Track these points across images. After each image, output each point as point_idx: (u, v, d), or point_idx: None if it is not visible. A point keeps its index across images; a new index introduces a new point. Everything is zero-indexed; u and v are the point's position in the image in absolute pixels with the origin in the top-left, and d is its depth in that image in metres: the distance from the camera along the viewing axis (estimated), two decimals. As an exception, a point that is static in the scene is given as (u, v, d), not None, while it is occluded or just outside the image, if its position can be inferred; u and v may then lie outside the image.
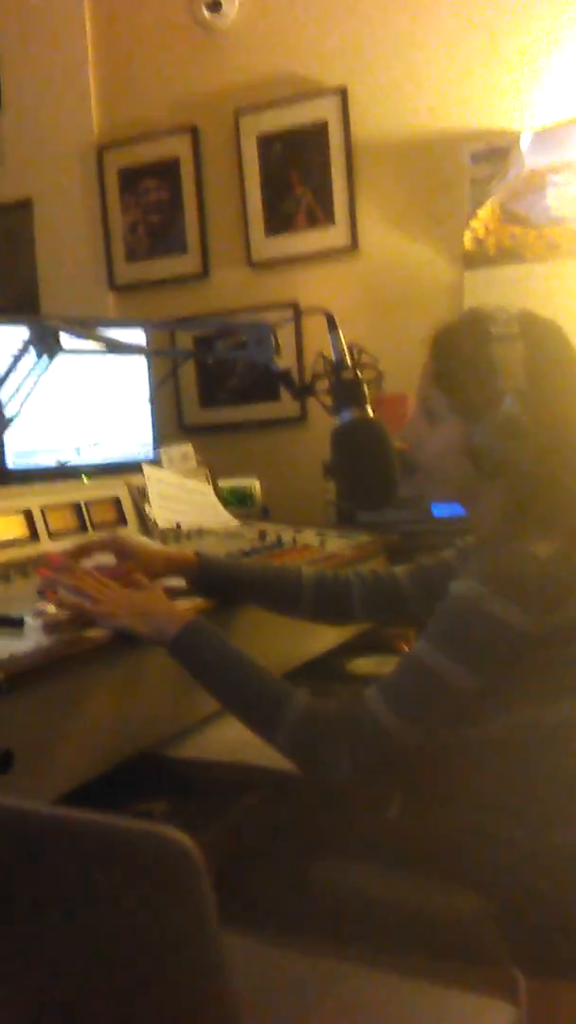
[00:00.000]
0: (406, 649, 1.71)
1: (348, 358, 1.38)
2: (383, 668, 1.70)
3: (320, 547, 1.85)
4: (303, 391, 1.38)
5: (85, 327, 1.64)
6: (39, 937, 0.47)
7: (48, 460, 2.02)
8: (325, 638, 1.75)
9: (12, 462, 1.96)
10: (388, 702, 1.13)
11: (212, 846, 1.15)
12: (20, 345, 1.69)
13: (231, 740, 1.39)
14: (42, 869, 0.47)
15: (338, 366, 1.37)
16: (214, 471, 2.25)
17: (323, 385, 1.39)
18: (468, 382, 1.17)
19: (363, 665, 1.72)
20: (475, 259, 2.41)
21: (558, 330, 1.19)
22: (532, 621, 1.08)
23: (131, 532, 1.85)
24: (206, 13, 2.72)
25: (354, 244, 2.60)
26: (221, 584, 1.46)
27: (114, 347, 1.69)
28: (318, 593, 1.45)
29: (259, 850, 1.23)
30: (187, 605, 1.37)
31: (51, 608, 1.26)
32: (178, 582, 1.46)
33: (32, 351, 1.67)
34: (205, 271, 2.80)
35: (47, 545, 1.67)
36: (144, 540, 1.62)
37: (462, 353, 1.18)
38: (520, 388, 1.13)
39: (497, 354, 1.15)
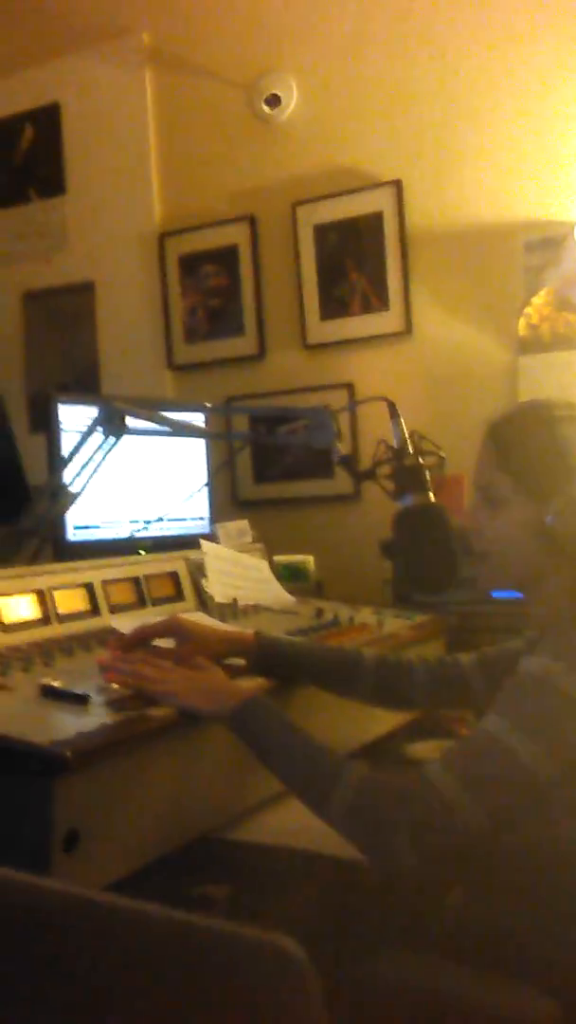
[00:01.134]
0: (466, 734, 1.69)
1: (410, 445, 1.40)
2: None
3: (378, 627, 1.85)
4: (365, 476, 1.41)
5: (149, 410, 1.69)
6: None
7: (108, 534, 2.06)
8: (383, 721, 1.73)
9: (73, 535, 2.01)
10: (454, 776, 1.09)
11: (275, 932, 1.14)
12: (88, 424, 1.75)
13: (292, 824, 1.38)
14: (150, 971, 0.47)
15: (401, 452, 1.39)
16: (268, 546, 2.27)
17: (385, 470, 1.41)
18: (537, 463, 1.18)
19: (421, 750, 1.69)
20: (529, 345, 2.45)
21: None
22: None
23: (188, 607, 1.87)
24: (265, 107, 2.84)
25: (408, 329, 2.66)
26: (280, 664, 1.47)
27: (177, 429, 1.74)
28: (378, 676, 1.45)
29: (320, 939, 1.21)
30: (248, 684, 1.38)
31: (114, 686, 1.28)
32: (238, 662, 1.47)
33: (99, 430, 1.72)
34: (261, 352, 2.87)
35: (107, 619, 1.70)
36: (203, 620, 1.64)
37: (528, 435, 1.20)
38: None
39: (564, 433, 1.17)
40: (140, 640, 1.45)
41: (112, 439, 1.69)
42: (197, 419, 2.21)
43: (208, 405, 2.41)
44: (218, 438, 2.34)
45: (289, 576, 2.28)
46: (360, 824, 1.13)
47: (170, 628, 1.46)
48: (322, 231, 2.77)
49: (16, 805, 1.08)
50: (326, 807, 1.15)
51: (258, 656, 1.46)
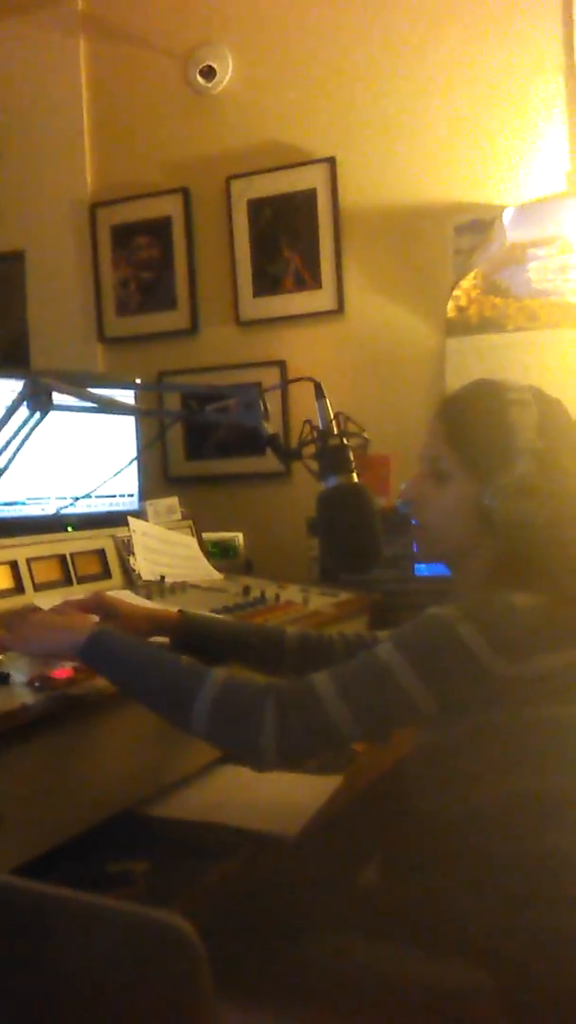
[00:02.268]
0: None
1: (334, 426, 1.41)
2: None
3: (303, 604, 1.87)
4: (290, 455, 1.42)
5: (77, 386, 1.67)
6: (33, 1012, 0.48)
7: (34, 511, 2.04)
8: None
9: (-2, 512, 1.98)
10: (337, 688, 1.12)
11: (192, 908, 1.16)
12: (12, 399, 1.72)
13: (211, 800, 1.40)
14: (43, 948, 0.48)
15: (325, 433, 1.40)
16: (198, 523, 2.27)
17: (310, 450, 1.43)
18: (484, 442, 1.21)
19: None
20: (457, 327, 2.48)
21: (560, 402, 1.25)
22: (497, 660, 1.10)
23: (115, 585, 1.87)
24: (200, 79, 2.81)
25: (340, 308, 2.67)
26: (204, 642, 1.48)
27: (105, 406, 1.72)
28: (301, 653, 1.47)
29: (240, 913, 1.23)
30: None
31: None
32: (161, 640, 1.48)
33: (25, 406, 1.69)
34: (194, 327, 2.86)
35: (32, 597, 1.69)
36: (127, 598, 1.64)
37: (478, 414, 1.22)
38: (534, 449, 1.17)
39: (513, 416, 1.19)
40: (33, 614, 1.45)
41: (38, 415, 1.66)
42: (127, 395, 2.19)
43: (138, 382, 2.39)
44: (146, 415, 2.33)
45: (218, 553, 2.29)
46: (225, 714, 1.14)
47: (93, 605, 1.46)
48: (256, 206, 2.76)
49: None
50: (191, 707, 1.15)
51: (181, 634, 1.47)
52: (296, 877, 1.34)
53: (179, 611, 1.51)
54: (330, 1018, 1.07)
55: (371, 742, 1.17)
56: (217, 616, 1.62)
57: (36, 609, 1.49)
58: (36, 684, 1.23)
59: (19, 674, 1.26)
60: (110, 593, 1.59)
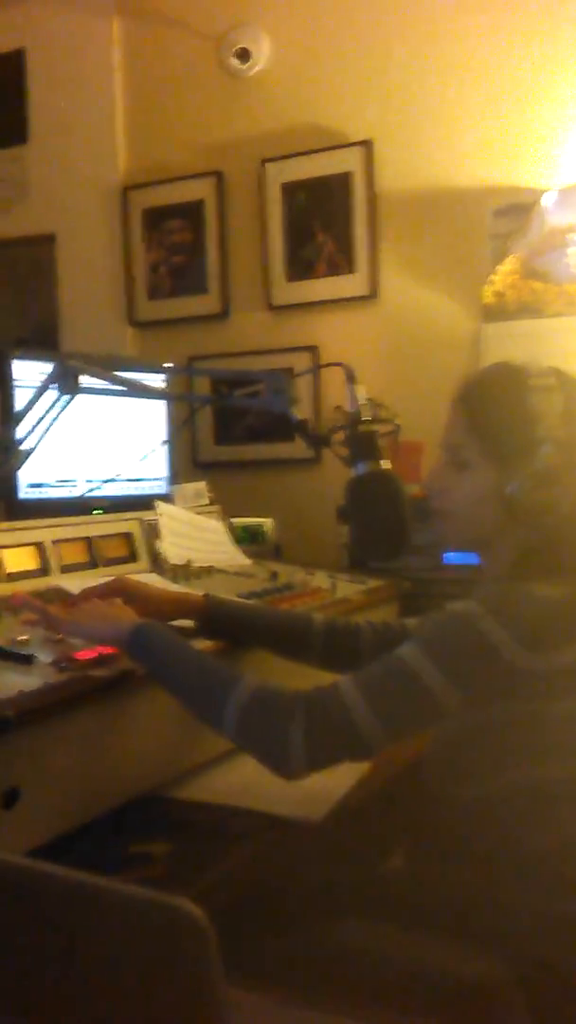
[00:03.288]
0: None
1: (365, 412, 1.39)
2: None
3: (331, 591, 1.85)
4: (319, 441, 1.40)
5: (106, 369, 1.67)
6: (42, 994, 0.47)
7: (62, 493, 2.04)
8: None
9: (25, 494, 1.98)
10: (362, 693, 1.11)
11: (214, 892, 1.15)
12: (41, 381, 1.72)
13: (235, 784, 1.39)
14: (51, 929, 0.47)
15: (355, 419, 1.38)
16: (227, 508, 2.26)
17: (339, 436, 1.41)
18: (505, 430, 1.18)
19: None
20: (494, 312, 2.44)
21: None
22: (521, 654, 1.08)
23: (141, 568, 1.86)
24: (235, 61, 2.78)
25: (373, 293, 2.64)
26: (229, 626, 1.47)
27: (134, 390, 1.72)
28: (328, 640, 1.45)
29: (261, 898, 1.22)
30: (198, 648, 1.38)
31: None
32: (187, 624, 1.47)
33: (53, 388, 1.69)
34: (225, 312, 2.84)
35: (57, 578, 1.69)
36: (151, 582, 1.63)
37: (499, 401, 1.19)
38: (557, 437, 1.14)
39: (535, 403, 1.16)
40: (86, 599, 1.45)
41: (66, 397, 1.66)
42: (157, 379, 2.18)
43: (167, 366, 2.38)
44: (173, 398, 2.31)
45: (247, 539, 2.28)
46: (254, 722, 1.14)
47: (117, 588, 1.45)
48: (290, 190, 2.73)
49: (-44, 763, 1.08)
50: (221, 712, 1.16)
51: (207, 618, 1.46)
52: (319, 863, 1.33)
53: (205, 595, 1.50)
54: (351, 1005, 1.06)
55: (398, 741, 1.16)
56: (243, 601, 1.61)
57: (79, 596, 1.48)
58: (61, 665, 1.23)
59: (44, 654, 1.26)
60: (135, 576, 1.58)
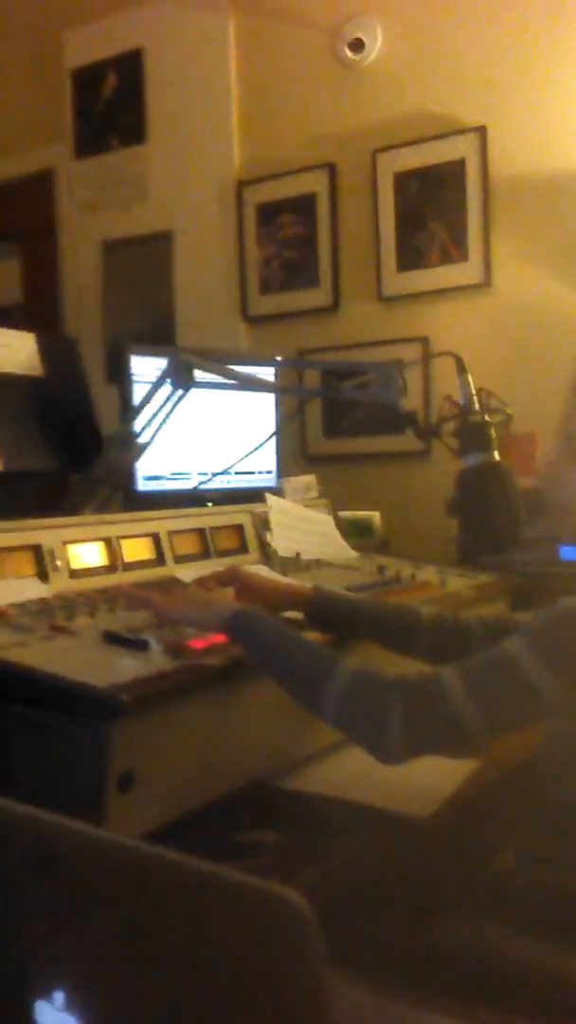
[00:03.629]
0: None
1: (476, 402, 1.37)
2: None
3: (440, 586, 1.84)
4: (429, 433, 1.39)
5: (218, 363, 1.70)
6: (145, 977, 0.49)
7: (176, 486, 2.08)
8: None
9: (142, 486, 2.04)
10: (464, 683, 1.09)
11: (317, 883, 1.16)
12: (157, 376, 1.77)
13: (344, 775, 1.40)
14: (153, 912, 0.49)
15: (466, 410, 1.37)
16: (336, 502, 2.27)
17: (449, 427, 1.39)
18: None
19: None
20: (613, 300, 2.37)
21: None
22: None
23: (252, 559, 1.89)
24: (348, 52, 2.77)
25: (487, 281, 2.59)
26: (337, 619, 1.47)
27: (244, 383, 1.74)
28: (436, 634, 1.44)
29: (368, 891, 1.23)
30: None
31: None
32: (295, 615, 1.48)
33: (168, 383, 1.74)
34: (336, 304, 2.84)
35: (172, 568, 1.73)
36: (263, 572, 1.65)
37: None
38: None
39: None
40: (202, 587, 1.48)
41: (180, 391, 1.70)
42: (267, 372, 2.21)
43: (277, 359, 2.40)
44: (282, 392, 2.33)
45: (355, 532, 2.28)
46: (353, 708, 1.15)
47: (230, 577, 1.48)
48: (402, 179, 2.71)
49: (75, 746, 1.12)
50: (321, 696, 1.17)
51: (315, 610, 1.47)
52: (427, 859, 1.32)
53: (313, 586, 1.51)
54: (453, 1002, 1.06)
55: (499, 736, 1.14)
56: (351, 594, 1.61)
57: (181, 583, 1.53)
58: (174, 652, 1.26)
59: (157, 642, 1.29)
60: (246, 567, 1.61)
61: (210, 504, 2.05)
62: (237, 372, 1.68)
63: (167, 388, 1.77)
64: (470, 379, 1.40)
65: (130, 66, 3.15)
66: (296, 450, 2.80)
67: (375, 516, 2.37)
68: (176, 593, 1.41)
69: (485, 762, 1.46)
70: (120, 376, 2.00)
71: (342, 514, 2.26)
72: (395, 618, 1.47)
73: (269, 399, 2.27)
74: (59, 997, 0.47)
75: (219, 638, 1.32)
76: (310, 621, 1.46)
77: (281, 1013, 0.45)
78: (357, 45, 2.76)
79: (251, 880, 0.45)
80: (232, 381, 1.68)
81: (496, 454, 1.36)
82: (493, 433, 1.37)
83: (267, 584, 1.50)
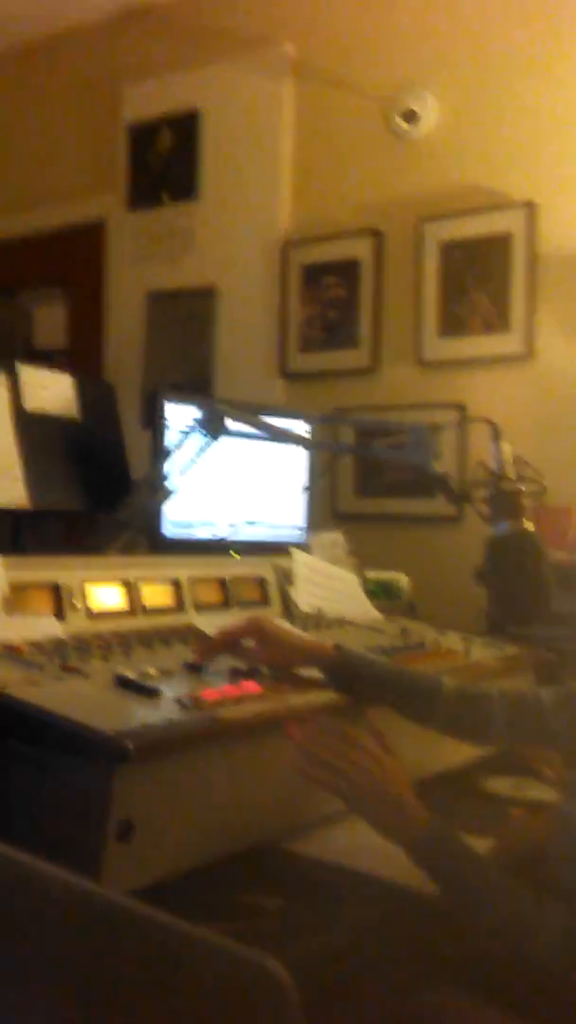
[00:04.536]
0: (548, 773, 1.62)
1: (509, 469, 1.35)
2: (521, 792, 1.61)
3: (464, 654, 1.79)
4: (460, 498, 1.37)
5: (250, 414, 1.69)
6: None
7: (203, 534, 2.07)
8: (463, 752, 1.68)
9: (170, 531, 2.03)
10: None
11: (322, 953, 1.11)
12: (189, 424, 1.77)
13: (355, 844, 1.34)
14: (123, 969, 0.46)
15: (498, 476, 1.34)
16: (363, 562, 2.24)
17: (481, 493, 1.37)
18: None
19: (500, 785, 1.63)
20: None
21: None
22: None
23: (273, 612, 1.86)
24: (401, 122, 2.83)
25: (529, 352, 2.59)
26: (357, 681, 1.43)
27: (277, 435, 1.74)
28: (456, 706, 1.39)
29: (372, 965, 1.17)
30: (322, 699, 1.36)
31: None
32: (314, 674, 1.44)
33: (199, 431, 1.74)
34: (375, 366, 2.85)
35: (191, 616, 1.70)
36: (284, 626, 1.62)
37: None
38: None
39: None
40: (225, 644, 1.44)
41: (211, 439, 1.70)
42: (301, 428, 2.20)
43: (310, 414, 2.39)
44: (313, 446, 2.31)
45: (381, 593, 2.25)
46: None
47: (251, 630, 1.45)
48: (447, 248, 2.73)
49: (77, 790, 1.09)
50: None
51: (335, 669, 1.43)
52: (437, 937, 1.26)
53: (335, 645, 1.47)
54: None
55: None
56: (373, 656, 1.57)
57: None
58: (185, 702, 1.23)
59: (170, 689, 1.26)
60: (269, 618, 1.58)
61: (234, 554, 2.03)
62: (268, 424, 1.68)
63: (198, 436, 1.77)
64: (504, 446, 1.38)
65: (186, 124, 3.23)
66: (326, 507, 2.78)
67: (402, 578, 2.33)
68: (271, 637, 1.43)
69: (499, 841, 1.40)
70: (153, 421, 2.01)
71: (369, 574, 2.23)
72: (416, 685, 1.43)
73: (302, 456, 2.26)
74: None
75: (232, 690, 1.29)
76: (329, 680, 1.43)
77: None
78: (410, 116, 2.81)
79: (231, 945, 0.42)
80: (263, 433, 1.67)
81: (527, 523, 1.33)
82: (525, 502, 1.34)
83: (289, 639, 1.47)
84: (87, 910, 0.47)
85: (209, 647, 1.44)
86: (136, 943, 0.45)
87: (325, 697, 1.38)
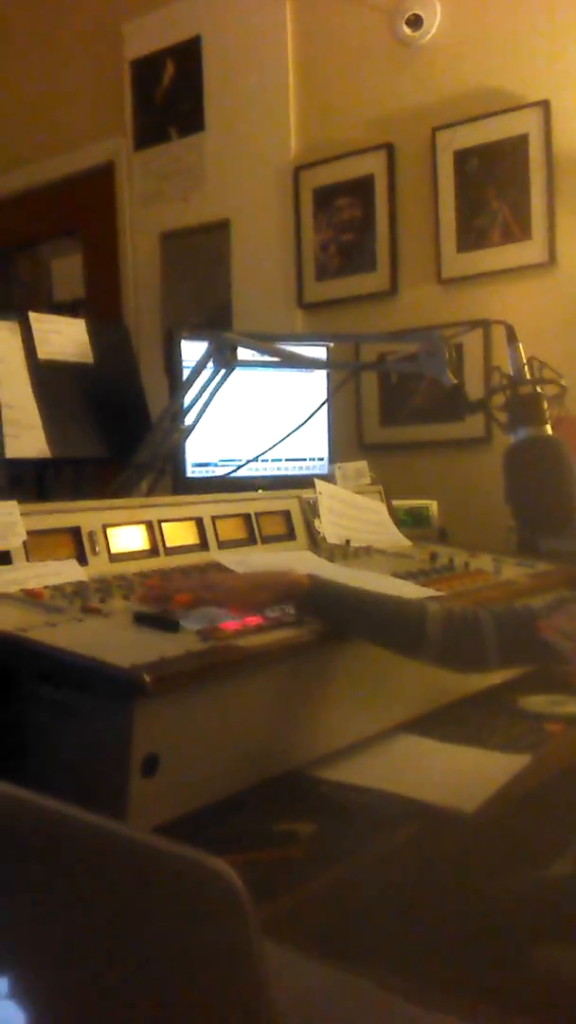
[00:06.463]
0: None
1: (527, 372, 1.29)
2: (559, 707, 1.59)
3: (495, 573, 1.75)
4: (476, 406, 1.32)
5: (263, 341, 1.65)
6: (72, 946, 0.45)
7: (225, 471, 2.04)
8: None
9: (191, 472, 2.01)
10: None
11: (356, 876, 1.10)
12: (199, 359, 1.73)
13: (388, 768, 1.33)
14: (72, 877, 0.45)
15: (516, 380, 1.29)
16: (393, 491, 2.19)
17: (500, 400, 1.31)
18: None
19: (536, 703, 1.60)
20: None
21: None
22: None
23: (299, 546, 1.84)
24: (406, 29, 2.70)
25: (551, 260, 2.49)
26: (332, 613, 1.31)
27: (289, 360, 1.69)
28: (444, 636, 1.28)
29: (406, 886, 1.16)
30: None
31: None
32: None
33: (211, 365, 1.70)
34: (394, 288, 2.77)
35: (215, 553, 1.69)
36: (307, 560, 1.58)
37: None
38: None
39: None
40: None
41: (223, 371, 1.66)
42: (320, 354, 2.15)
43: (325, 337, 2.32)
44: (329, 367, 2.24)
45: (410, 522, 2.21)
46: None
47: (203, 597, 1.31)
48: (462, 157, 2.62)
49: (98, 728, 1.09)
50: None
51: (309, 600, 1.31)
52: (472, 858, 1.25)
53: (308, 576, 1.33)
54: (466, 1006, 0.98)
55: None
56: (351, 586, 1.39)
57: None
58: (206, 635, 1.22)
59: (191, 623, 1.25)
60: (292, 554, 1.55)
61: (259, 490, 2.00)
62: (280, 349, 1.63)
63: (211, 369, 1.73)
64: (521, 348, 1.32)
65: (188, 54, 3.12)
66: (351, 439, 2.74)
67: (432, 504, 2.29)
68: (224, 580, 1.34)
69: (537, 758, 1.37)
70: (168, 361, 1.97)
71: (397, 503, 2.19)
72: (398, 614, 1.32)
73: (322, 386, 2.21)
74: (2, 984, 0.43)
75: (252, 620, 1.27)
76: (305, 612, 1.31)
77: (216, 987, 0.40)
78: (415, 21, 2.68)
79: (181, 849, 0.40)
80: (275, 359, 1.63)
81: (548, 428, 1.28)
82: (545, 406, 1.29)
83: (247, 581, 1.36)
84: (31, 820, 0.46)
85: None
86: (69, 848, 0.44)
87: (293, 633, 1.30)
